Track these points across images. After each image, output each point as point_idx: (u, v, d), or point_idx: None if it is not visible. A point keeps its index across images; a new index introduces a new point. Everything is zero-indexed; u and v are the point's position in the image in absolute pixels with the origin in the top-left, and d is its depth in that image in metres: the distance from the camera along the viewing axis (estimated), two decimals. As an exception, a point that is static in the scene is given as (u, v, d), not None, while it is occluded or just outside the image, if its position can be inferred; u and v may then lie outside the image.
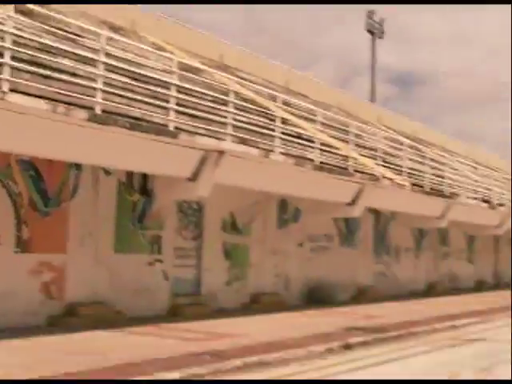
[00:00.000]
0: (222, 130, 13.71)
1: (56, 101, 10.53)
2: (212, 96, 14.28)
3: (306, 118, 18.63)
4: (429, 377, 8.98)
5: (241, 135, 14.28)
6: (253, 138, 14.64)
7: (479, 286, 31.09)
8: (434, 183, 22.98)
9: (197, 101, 13.70)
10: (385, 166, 20.51)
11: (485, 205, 26.09)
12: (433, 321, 15.56)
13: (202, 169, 13.19)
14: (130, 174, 14.35)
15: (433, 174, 23.24)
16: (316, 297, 20.34)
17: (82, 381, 4.74)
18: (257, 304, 17.69)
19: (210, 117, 13.84)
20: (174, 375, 8.43)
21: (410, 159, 22.77)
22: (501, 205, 27.54)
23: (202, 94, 14.02)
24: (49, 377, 7.67)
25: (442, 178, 23.61)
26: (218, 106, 14.18)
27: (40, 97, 10.25)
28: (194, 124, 13.24)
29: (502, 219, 27.96)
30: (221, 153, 13.28)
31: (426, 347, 12.20)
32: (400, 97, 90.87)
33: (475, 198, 25.35)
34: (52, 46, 11.26)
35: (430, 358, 11.05)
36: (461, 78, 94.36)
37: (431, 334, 14.10)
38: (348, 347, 11.61)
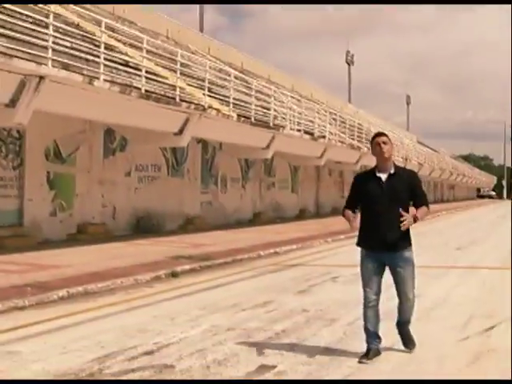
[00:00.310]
0: (42, 54, 12.96)
1: None
2: (33, 18, 13.42)
3: (132, 46, 18.15)
4: (251, 301, 9.31)
5: (63, 60, 13.62)
6: (76, 64, 14.03)
7: (302, 215, 32.53)
8: (260, 115, 23.44)
9: (15, 21, 12.82)
10: (212, 97, 20.58)
11: (308, 136, 27.09)
12: (257, 248, 16.13)
13: (20, 94, 12.44)
14: None
15: (259, 106, 23.68)
16: (144, 227, 20.32)
17: (82, 381, 4.42)
18: (83, 235, 17.38)
19: (31, 40, 13.03)
20: (-7, 309, 8.13)
21: (237, 90, 23.00)
22: (322, 137, 28.75)
23: (21, 14, 13.13)
24: None
25: (268, 109, 24.13)
26: (39, 29, 13.36)
27: None
28: (12, 46, 12.41)
29: (323, 151, 29.23)
30: (41, 78, 12.57)
31: (250, 273, 12.64)
32: (229, 28, 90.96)
33: (299, 130, 26.23)
34: None
35: (253, 282, 11.46)
36: (288, 12, 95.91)
37: (255, 260, 14.63)
38: (175, 275, 11.76)
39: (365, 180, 6.13)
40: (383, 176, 5.98)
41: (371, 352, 5.95)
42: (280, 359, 6.06)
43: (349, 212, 6.11)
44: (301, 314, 8.30)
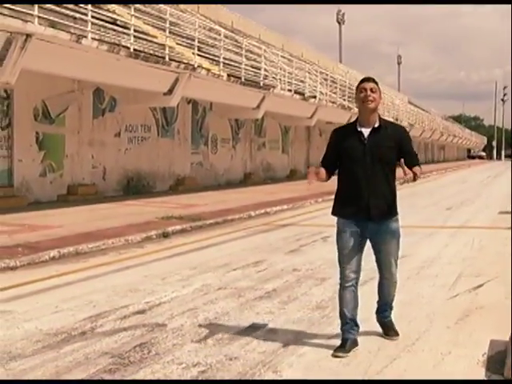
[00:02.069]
0: (28, 12, 12.72)
1: None
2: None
3: (121, 3, 17.87)
4: (242, 261, 9.36)
5: (50, 18, 13.40)
6: (63, 22, 13.80)
7: (293, 175, 32.54)
8: (250, 74, 23.26)
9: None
10: (202, 56, 20.38)
11: (298, 97, 26.96)
12: (248, 208, 16.14)
13: (7, 53, 12.24)
14: None
15: (249, 65, 23.48)
16: (134, 187, 20.31)
17: (82, 381, 4.41)
18: (74, 195, 17.35)
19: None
20: (-16, 269, 8.13)
21: (227, 50, 22.77)
22: (313, 97, 28.61)
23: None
24: None
25: (258, 69, 23.93)
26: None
27: None
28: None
29: (314, 111, 29.12)
30: (28, 36, 12.37)
31: (241, 233, 12.67)
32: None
33: (289, 90, 26.08)
34: None
35: (244, 242, 11.49)
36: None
37: (246, 220, 14.65)
38: (166, 236, 11.78)
39: (344, 135, 5.14)
40: (366, 131, 5.01)
41: (348, 343, 5.04)
42: (271, 317, 6.11)
43: (312, 167, 5.20)
44: (292, 274, 8.34)
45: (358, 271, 5.11)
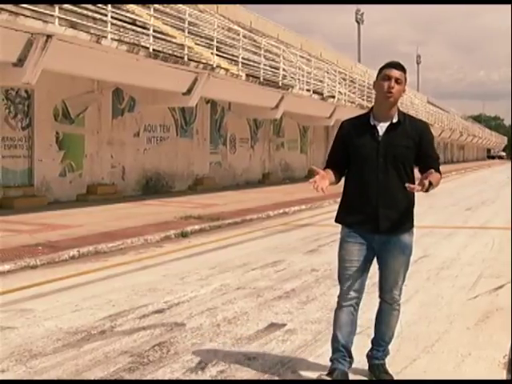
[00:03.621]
0: (49, 13, 12.83)
1: None
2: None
3: (140, 3, 17.94)
4: (260, 261, 9.36)
5: (70, 19, 13.49)
6: (83, 22, 13.89)
7: (311, 175, 32.18)
8: (269, 74, 23.25)
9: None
10: (220, 56, 20.40)
11: (317, 96, 26.91)
12: (267, 208, 16.15)
13: (28, 53, 12.35)
14: None
15: (268, 65, 23.47)
16: (153, 187, 20.40)
17: (83, 381, 4.46)
18: (93, 195, 17.45)
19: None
20: (5, 267, 8.20)
21: (246, 49, 22.78)
22: (331, 97, 28.54)
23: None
24: None
25: (277, 69, 23.91)
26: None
27: None
28: (18, 4, 12.28)
29: (333, 111, 29.05)
30: (48, 37, 12.46)
31: (259, 233, 12.68)
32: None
33: (308, 90, 26.03)
34: None
35: (263, 242, 11.49)
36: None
37: (265, 220, 14.65)
38: (185, 235, 11.81)
39: (354, 130, 4.27)
40: (381, 126, 4.18)
41: (335, 373, 4.20)
42: (290, 318, 6.10)
43: (318, 171, 4.22)
44: (310, 274, 8.33)
45: (360, 290, 4.30)
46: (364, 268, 4.28)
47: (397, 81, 4.12)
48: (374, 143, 4.17)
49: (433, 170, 4.03)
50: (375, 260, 4.35)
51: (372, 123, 4.21)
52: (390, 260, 4.28)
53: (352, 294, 4.28)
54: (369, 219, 4.20)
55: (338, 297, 4.36)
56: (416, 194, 4.20)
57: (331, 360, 4.29)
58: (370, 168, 4.17)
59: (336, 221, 4.47)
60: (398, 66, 4.16)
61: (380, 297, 4.43)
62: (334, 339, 4.31)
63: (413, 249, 4.37)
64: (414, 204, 4.31)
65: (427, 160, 4.22)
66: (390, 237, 4.22)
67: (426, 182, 3.95)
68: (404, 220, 4.26)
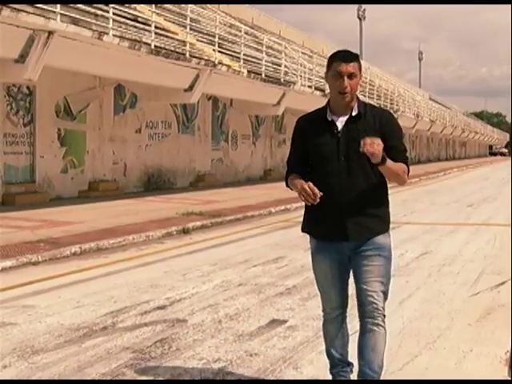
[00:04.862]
0: (51, 9, 12.82)
1: None
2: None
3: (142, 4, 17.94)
4: (262, 257, 9.36)
5: (72, 15, 13.49)
6: (85, 19, 13.89)
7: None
8: (271, 71, 23.23)
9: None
10: (222, 53, 20.39)
11: (319, 93, 26.86)
12: (268, 205, 16.15)
13: (29, 50, 12.34)
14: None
15: (269, 62, 23.45)
16: (155, 184, 20.40)
17: (83, 381, 4.47)
18: (95, 191, 17.46)
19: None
20: (7, 264, 8.22)
21: (248, 46, 22.77)
22: (333, 93, 28.45)
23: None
24: None
25: (279, 65, 23.89)
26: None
27: None
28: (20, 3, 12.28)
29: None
30: (50, 33, 12.46)
31: (261, 230, 12.69)
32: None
33: (310, 87, 26.00)
34: None
35: (264, 239, 11.50)
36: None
37: (266, 217, 14.66)
38: (186, 232, 11.81)
39: (311, 127, 3.79)
40: (340, 121, 3.69)
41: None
42: (291, 314, 6.11)
43: (295, 179, 3.70)
44: (311, 270, 8.29)
45: (342, 304, 3.87)
46: (342, 281, 3.82)
47: (350, 76, 3.59)
48: (333, 141, 3.68)
49: (403, 165, 3.67)
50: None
51: (329, 119, 3.71)
52: (365, 261, 3.69)
53: (333, 312, 3.90)
54: (336, 229, 3.68)
55: (322, 311, 3.99)
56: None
57: (332, 373, 3.99)
58: (331, 169, 3.67)
59: (303, 231, 3.97)
60: (348, 58, 3.61)
61: (360, 317, 3.77)
62: (328, 354, 3.98)
63: (392, 252, 3.82)
64: (387, 205, 3.79)
65: (392, 152, 3.59)
66: (361, 242, 3.71)
67: (379, 148, 3.43)
68: (376, 225, 3.72)
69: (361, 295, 3.71)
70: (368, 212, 3.68)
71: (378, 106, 3.99)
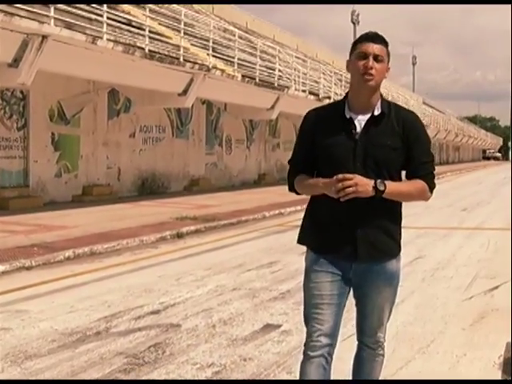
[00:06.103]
0: (45, 13, 12.82)
1: None
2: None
3: (135, 4, 17.95)
4: (256, 262, 9.36)
5: (66, 19, 13.48)
6: (79, 23, 13.89)
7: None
8: (265, 75, 23.26)
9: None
10: (216, 57, 20.42)
11: (313, 97, 26.92)
12: (262, 209, 16.14)
13: (23, 54, 12.33)
14: None
15: (264, 66, 23.48)
16: (149, 188, 20.37)
17: (84, 381, 4.45)
18: (89, 196, 17.43)
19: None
20: (0, 268, 8.19)
21: (242, 50, 22.80)
22: (327, 97, 28.55)
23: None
24: None
25: (273, 70, 23.92)
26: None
27: None
28: (13, 4, 12.29)
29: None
30: (44, 37, 12.45)
31: (255, 234, 12.68)
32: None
33: (304, 91, 26.04)
34: None
35: (258, 243, 11.49)
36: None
37: (260, 221, 14.65)
38: (180, 236, 11.80)
39: (324, 124, 3.19)
40: (360, 119, 3.13)
41: None
42: (285, 319, 6.10)
43: (308, 179, 3.21)
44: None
45: (333, 335, 3.20)
46: (338, 305, 3.20)
47: (376, 58, 3.04)
48: (350, 143, 3.09)
49: (421, 184, 3.15)
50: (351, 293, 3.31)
51: (347, 116, 3.14)
52: (373, 294, 3.23)
53: (323, 340, 3.16)
54: (343, 243, 3.13)
55: (305, 345, 3.24)
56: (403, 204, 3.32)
57: None
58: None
59: (299, 242, 3.38)
60: (377, 38, 3.07)
61: (359, 340, 3.41)
62: None
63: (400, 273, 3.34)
64: (401, 223, 3.28)
65: (412, 165, 3.15)
66: (372, 265, 3.18)
67: (358, 188, 2.94)
68: (389, 243, 3.20)
69: (363, 324, 3.35)
70: (382, 230, 3.15)
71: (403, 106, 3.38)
